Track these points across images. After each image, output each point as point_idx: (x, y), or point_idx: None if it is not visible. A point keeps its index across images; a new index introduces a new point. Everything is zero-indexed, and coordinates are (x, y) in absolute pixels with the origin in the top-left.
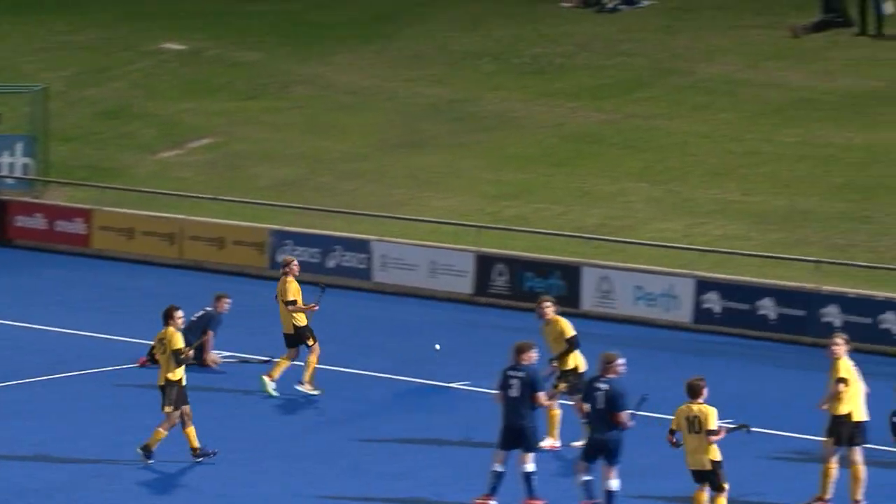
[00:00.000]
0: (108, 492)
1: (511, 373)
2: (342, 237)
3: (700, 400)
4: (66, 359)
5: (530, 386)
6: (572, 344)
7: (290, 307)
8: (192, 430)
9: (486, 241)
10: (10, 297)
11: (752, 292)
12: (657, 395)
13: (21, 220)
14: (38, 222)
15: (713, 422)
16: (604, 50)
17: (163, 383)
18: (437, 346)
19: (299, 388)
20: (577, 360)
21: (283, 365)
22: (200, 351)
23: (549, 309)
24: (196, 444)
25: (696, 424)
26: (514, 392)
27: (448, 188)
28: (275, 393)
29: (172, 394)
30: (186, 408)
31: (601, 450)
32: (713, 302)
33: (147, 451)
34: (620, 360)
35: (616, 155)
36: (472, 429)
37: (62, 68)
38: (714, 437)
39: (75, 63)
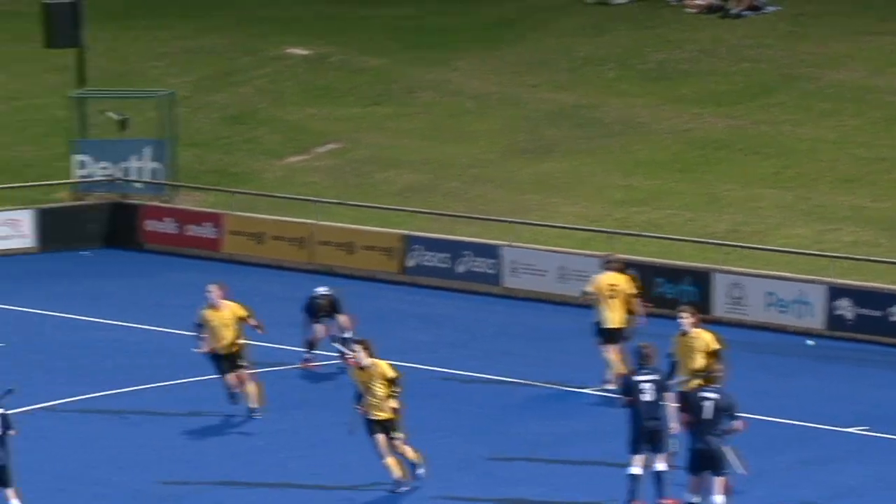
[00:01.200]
0: None
1: (642, 377)
2: (472, 242)
3: None
4: (197, 362)
5: (663, 388)
6: (719, 358)
7: None
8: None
9: (616, 246)
10: (142, 300)
11: (885, 299)
12: (789, 401)
13: (152, 225)
14: (168, 227)
15: None
16: (729, 56)
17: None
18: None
19: None
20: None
21: None
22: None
23: (688, 320)
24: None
25: None
26: (647, 396)
27: (576, 194)
28: None
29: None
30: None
31: (709, 461)
32: (845, 308)
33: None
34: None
35: (744, 161)
36: (605, 434)
37: (188, 73)
38: None
39: (201, 68)
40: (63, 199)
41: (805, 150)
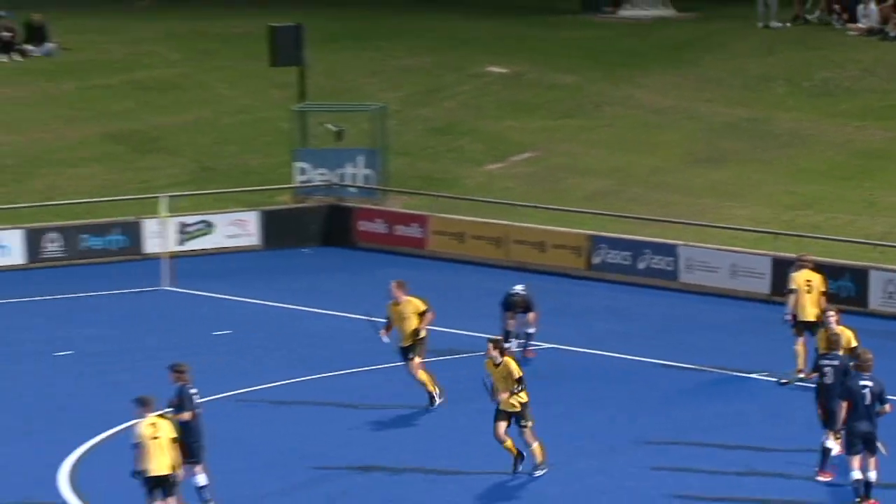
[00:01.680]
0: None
1: (825, 361)
2: (652, 242)
3: None
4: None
5: (844, 373)
6: (854, 352)
7: None
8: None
9: (782, 246)
10: (355, 293)
11: None
12: None
13: (364, 225)
14: (379, 227)
15: None
16: (888, 75)
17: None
18: None
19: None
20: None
21: None
22: None
23: (834, 318)
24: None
25: None
26: (828, 379)
27: (747, 199)
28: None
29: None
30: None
31: (866, 442)
32: None
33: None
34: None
35: None
36: (772, 415)
37: (398, 89)
38: None
39: (409, 84)
40: (285, 202)
41: None
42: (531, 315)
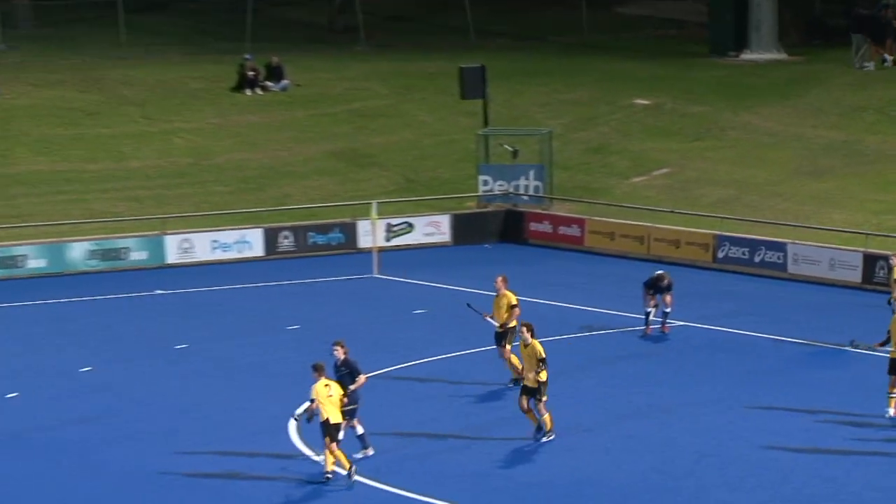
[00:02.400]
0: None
1: None
2: (765, 240)
3: None
4: (569, 325)
5: None
6: None
7: None
8: None
9: (872, 244)
10: (526, 284)
11: None
12: None
13: (534, 226)
14: (546, 227)
15: None
16: None
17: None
18: None
19: None
20: None
21: None
22: None
23: None
24: None
25: None
26: None
27: (842, 205)
28: None
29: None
30: None
31: None
32: None
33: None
34: None
35: None
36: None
37: (561, 117)
38: None
39: (570, 114)
40: (471, 207)
41: None
42: (668, 297)
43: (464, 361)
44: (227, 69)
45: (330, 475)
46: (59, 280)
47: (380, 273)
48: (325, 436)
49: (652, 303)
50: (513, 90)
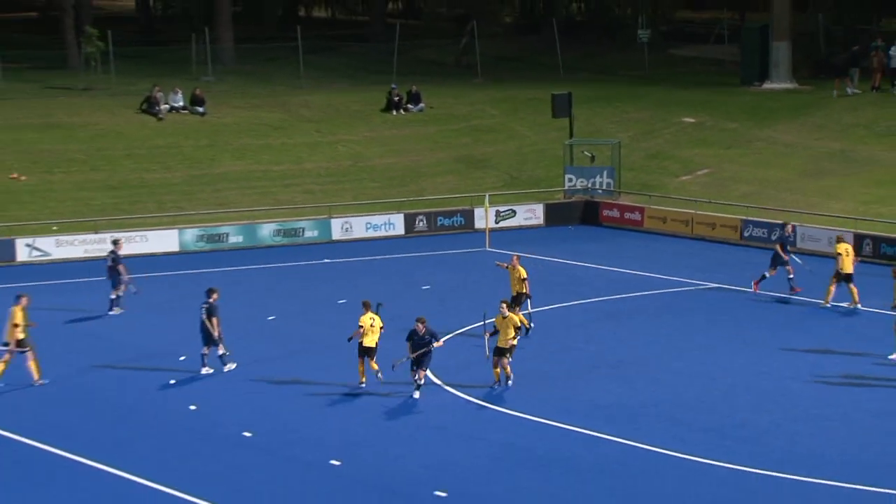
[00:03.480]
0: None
1: None
2: (780, 223)
3: None
4: (632, 286)
5: None
6: None
7: None
8: None
9: (861, 226)
10: (600, 256)
11: None
12: None
13: (606, 212)
14: (615, 214)
15: None
16: None
17: None
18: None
19: None
20: None
21: None
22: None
23: None
24: None
25: None
26: None
27: (840, 197)
28: None
29: None
30: None
31: None
32: None
33: None
34: None
35: None
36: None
37: (627, 131)
38: None
39: (634, 129)
40: (559, 199)
41: None
42: (789, 267)
43: (549, 313)
44: (378, 95)
45: (363, 384)
46: (252, 252)
47: (490, 248)
48: (362, 356)
49: (773, 272)
50: (591, 111)
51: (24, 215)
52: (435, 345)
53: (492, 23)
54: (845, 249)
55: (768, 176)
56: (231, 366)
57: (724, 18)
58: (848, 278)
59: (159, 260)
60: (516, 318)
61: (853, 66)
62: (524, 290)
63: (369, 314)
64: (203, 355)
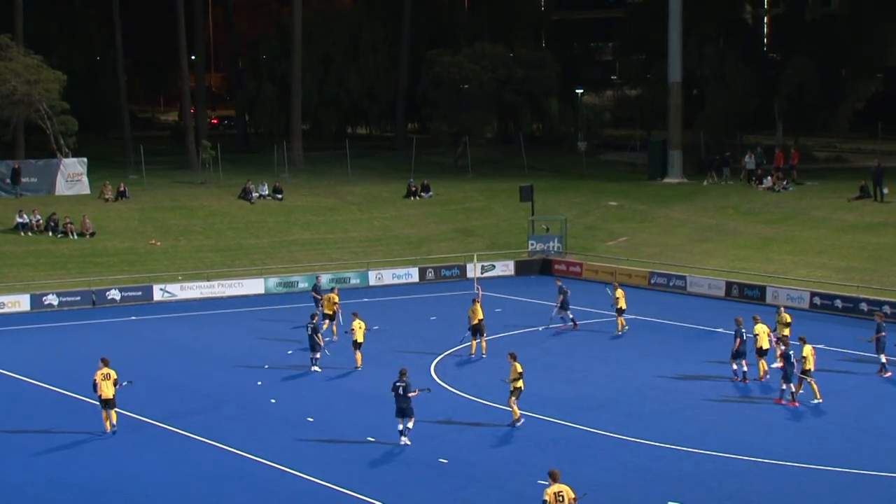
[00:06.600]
0: None
1: None
2: (674, 274)
3: None
4: (580, 317)
5: None
6: None
7: None
8: None
9: (731, 276)
10: (551, 297)
11: None
12: None
13: (557, 266)
14: (563, 267)
15: None
16: (775, 206)
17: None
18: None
19: None
20: None
21: None
22: None
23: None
24: None
25: None
26: None
27: (716, 257)
28: None
29: None
30: None
31: None
32: None
33: None
34: None
35: None
36: None
37: (571, 210)
38: None
39: (576, 209)
40: (524, 257)
41: None
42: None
43: (514, 337)
44: (401, 186)
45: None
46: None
47: (474, 290)
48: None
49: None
50: (547, 197)
51: (158, 268)
52: (411, 395)
53: (479, 137)
54: (763, 330)
55: (667, 241)
56: (316, 368)
57: (637, 134)
58: (762, 353)
59: (249, 299)
60: (519, 367)
61: (725, 166)
62: (480, 319)
63: (359, 322)
64: (313, 359)
